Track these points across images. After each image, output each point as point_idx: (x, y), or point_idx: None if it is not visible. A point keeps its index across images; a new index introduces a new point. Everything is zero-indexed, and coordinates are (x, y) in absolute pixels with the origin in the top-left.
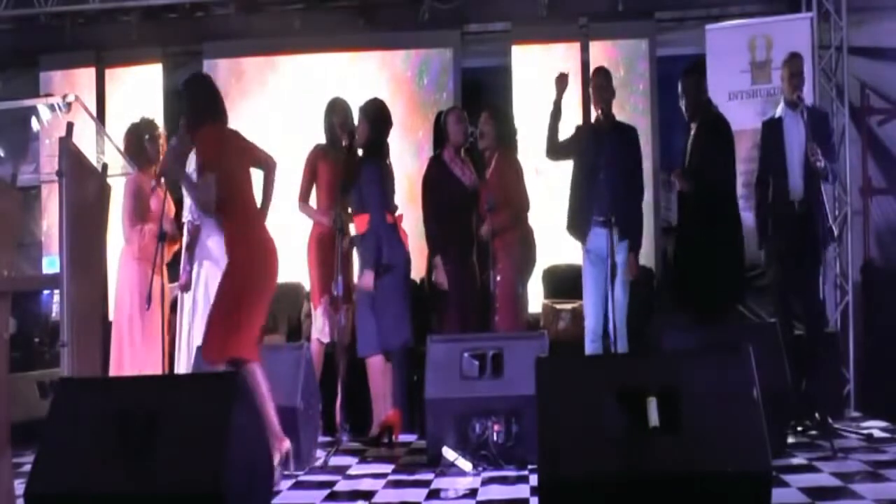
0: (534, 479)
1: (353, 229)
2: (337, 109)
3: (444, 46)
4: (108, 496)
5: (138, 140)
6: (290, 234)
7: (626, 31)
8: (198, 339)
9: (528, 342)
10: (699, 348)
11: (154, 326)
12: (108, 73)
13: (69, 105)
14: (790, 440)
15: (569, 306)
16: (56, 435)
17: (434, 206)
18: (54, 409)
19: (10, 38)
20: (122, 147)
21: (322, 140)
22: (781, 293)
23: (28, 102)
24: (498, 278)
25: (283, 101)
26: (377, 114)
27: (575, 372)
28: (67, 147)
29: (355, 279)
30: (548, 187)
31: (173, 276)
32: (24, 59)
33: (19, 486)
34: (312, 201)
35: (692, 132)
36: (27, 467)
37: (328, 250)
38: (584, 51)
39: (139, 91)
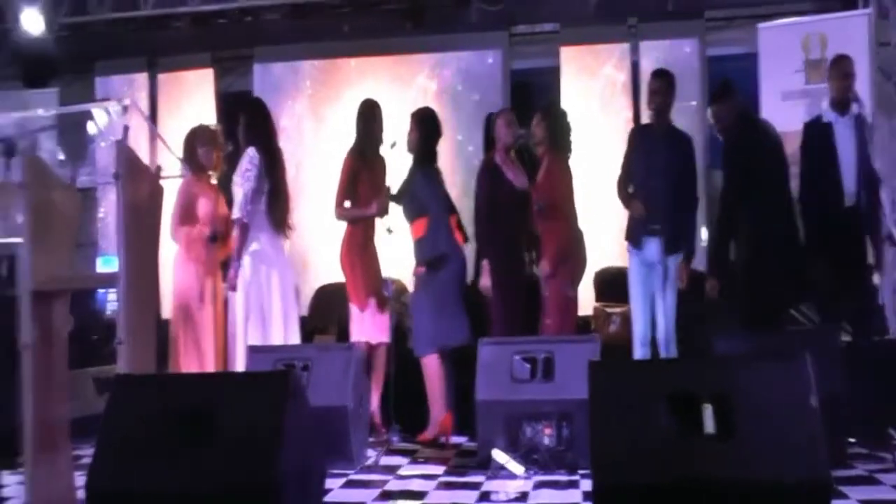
0: (585, 484)
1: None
2: (377, 115)
3: (493, 48)
4: (164, 492)
5: (190, 145)
6: (337, 236)
7: (675, 31)
8: (250, 339)
9: (579, 345)
10: (754, 353)
11: (208, 325)
12: (161, 77)
13: (125, 109)
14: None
15: (619, 309)
16: (114, 430)
17: (486, 208)
18: (112, 405)
19: (68, 44)
20: (175, 150)
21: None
22: (830, 299)
23: (85, 107)
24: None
25: (331, 105)
26: (430, 122)
27: (628, 376)
28: (123, 150)
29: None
30: (597, 189)
31: None
32: (81, 64)
33: (79, 478)
34: None
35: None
36: (85, 460)
37: (367, 251)
38: (634, 52)
39: (191, 95)
